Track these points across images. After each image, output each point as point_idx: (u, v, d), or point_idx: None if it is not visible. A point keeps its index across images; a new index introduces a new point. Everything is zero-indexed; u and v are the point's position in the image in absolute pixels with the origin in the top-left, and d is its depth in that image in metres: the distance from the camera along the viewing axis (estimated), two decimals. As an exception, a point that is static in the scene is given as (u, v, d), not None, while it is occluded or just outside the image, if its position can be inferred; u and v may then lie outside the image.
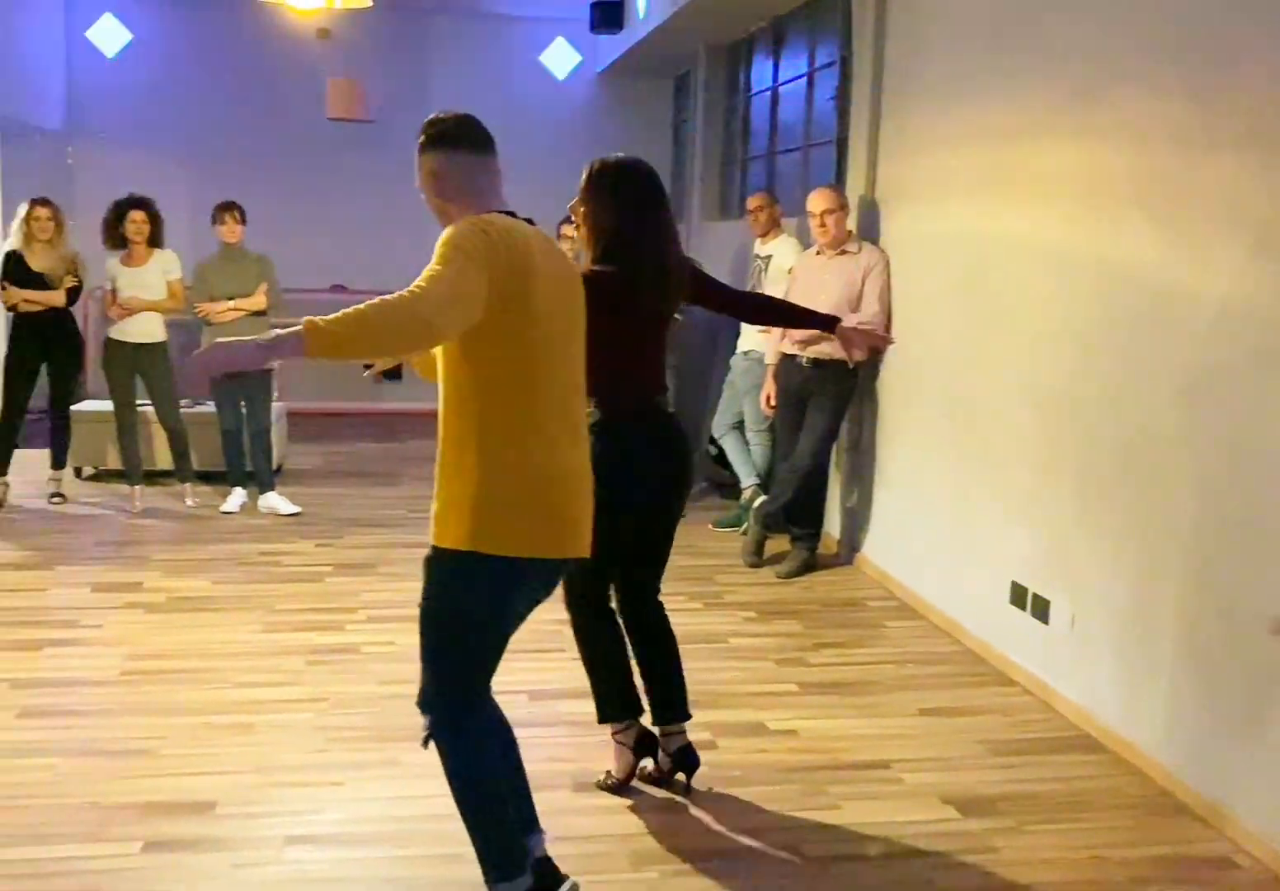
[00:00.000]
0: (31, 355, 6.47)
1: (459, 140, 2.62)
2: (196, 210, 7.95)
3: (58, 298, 6.39)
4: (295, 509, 6.57)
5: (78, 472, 7.34)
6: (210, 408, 6.79)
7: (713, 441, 6.75)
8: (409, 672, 4.08)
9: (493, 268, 2.39)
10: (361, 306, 2.22)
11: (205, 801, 3.25)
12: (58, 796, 3.26)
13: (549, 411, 2.56)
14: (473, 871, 2.77)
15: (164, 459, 6.96)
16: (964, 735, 3.89)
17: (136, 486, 6.66)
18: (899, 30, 5.51)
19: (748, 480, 6.41)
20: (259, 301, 6.42)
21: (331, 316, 2.19)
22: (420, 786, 3.30)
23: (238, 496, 6.64)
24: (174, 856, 2.97)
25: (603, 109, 10.63)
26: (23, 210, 6.43)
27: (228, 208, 6.42)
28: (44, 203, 6.40)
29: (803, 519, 5.87)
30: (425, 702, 2.59)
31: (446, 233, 2.46)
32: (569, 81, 10.67)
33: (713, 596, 5.32)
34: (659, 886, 2.94)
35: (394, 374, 3.58)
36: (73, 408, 6.92)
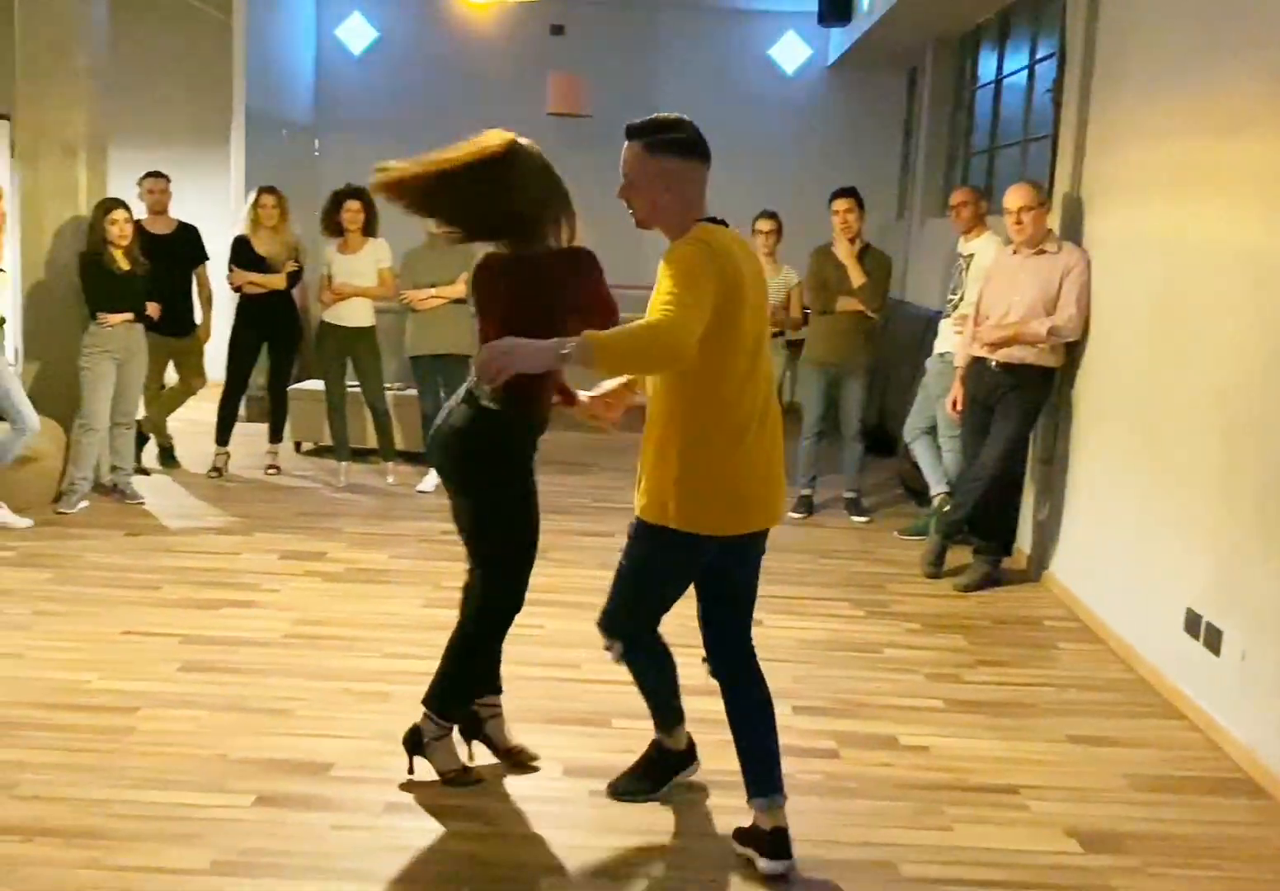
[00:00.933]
0: (253, 335, 6.89)
1: (694, 149, 2.84)
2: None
3: (278, 281, 6.78)
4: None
5: (297, 447, 7.77)
6: (413, 391, 7.07)
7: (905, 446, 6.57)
8: (548, 657, 4.18)
9: (717, 289, 2.68)
10: (631, 327, 2.59)
11: (323, 763, 3.39)
12: (193, 746, 3.46)
13: (745, 408, 2.84)
14: (547, 858, 2.81)
15: (372, 437, 7.28)
16: (1109, 766, 3.65)
17: (344, 462, 7.00)
18: (1110, 20, 5.20)
19: (937, 487, 6.21)
20: (459, 290, 6.63)
21: (609, 333, 2.57)
22: (511, 768, 3.38)
23: (433, 477, 6.88)
24: (279, 812, 3.10)
25: (833, 104, 10.48)
26: (251, 197, 6.85)
27: None
28: (270, 191, 6.79)
29: (986, 530, 5.62)
30: (612, 629, 3.12)
31: (677, 252, 2.72)
32: (798, 76, 10.56)
33: (878, 605, 5.17)
34: (738, 887, 2.88)
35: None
36: (292, 386, 7.33)
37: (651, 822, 3.17)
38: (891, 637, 4.77)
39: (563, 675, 4.13)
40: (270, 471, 7.06)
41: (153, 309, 6.18)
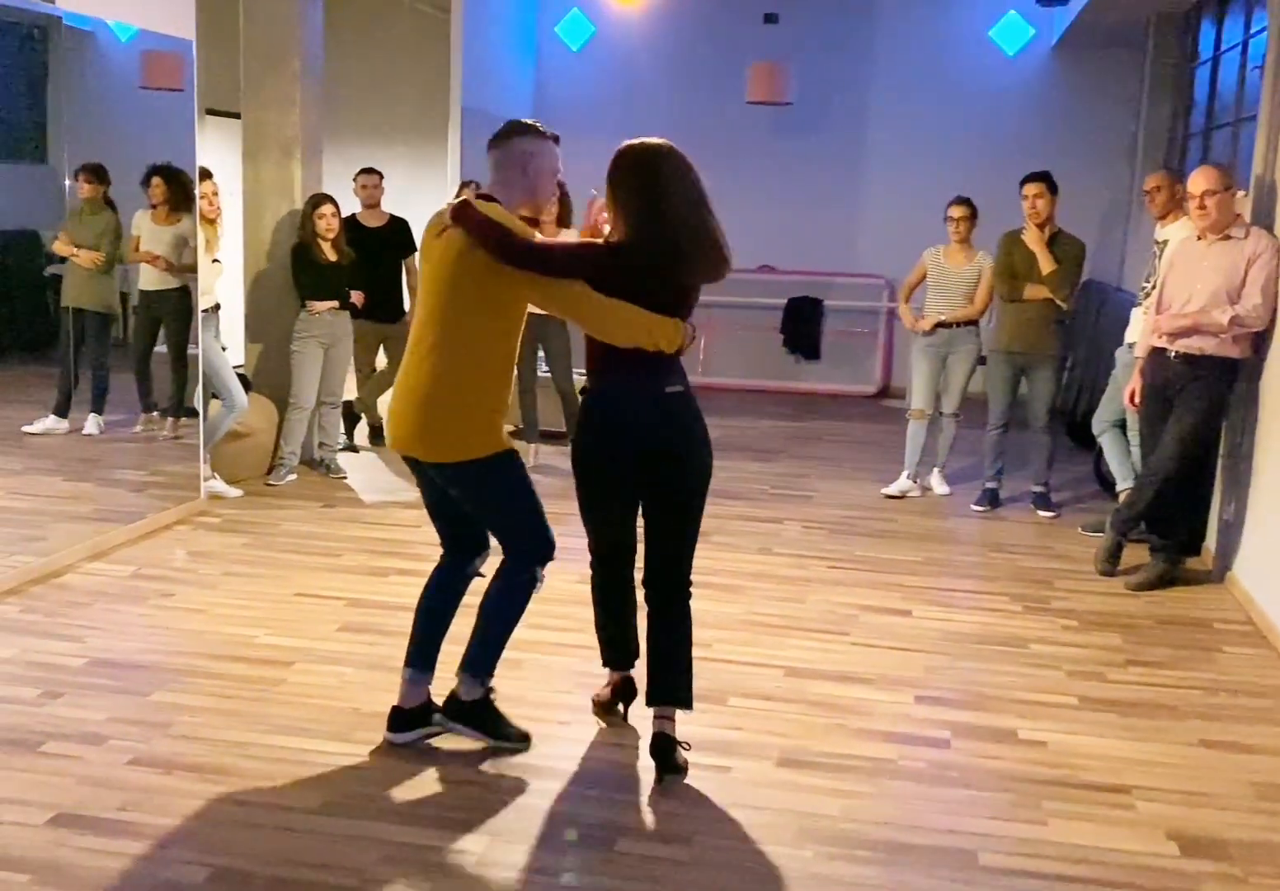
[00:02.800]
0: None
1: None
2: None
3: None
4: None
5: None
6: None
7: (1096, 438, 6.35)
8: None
9: None
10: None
11: (443, 720, 3.63)
12: (331, 699, 3.76)
13: None
14: (639, 820, 2.95)
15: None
16: (1237, 773, 3.50)
17: (533, 444, 7.29)
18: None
19: (1124, 482, 6.00)
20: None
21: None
22: (628, 735, 3.52)
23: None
24: (394, 762, 3.36)
25: (1057, 84, 10.10)
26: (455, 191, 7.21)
27: None
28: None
29: (1163, 528, 5.40)
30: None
31: None
32: (1020, 57, 10.23)
33: (1038, 600, 5.06)
34: (810, 865, 2.94)
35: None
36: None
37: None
38: (1042, 633, 4.66)
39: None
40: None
41: (357, 297, 6.61)
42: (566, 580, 4.99)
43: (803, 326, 9.79)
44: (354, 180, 7.28)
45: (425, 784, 3.25)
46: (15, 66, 7.65)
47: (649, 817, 3.15)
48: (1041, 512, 6.45)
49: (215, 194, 5.94)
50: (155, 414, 6.73)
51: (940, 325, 6.60)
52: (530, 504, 3.41)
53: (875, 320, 10.24)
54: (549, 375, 7.30)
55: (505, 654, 4.14)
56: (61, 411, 6.66)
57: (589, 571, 3.66)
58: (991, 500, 6.55)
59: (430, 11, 8.99)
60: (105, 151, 6.77)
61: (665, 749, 3.32)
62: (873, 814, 3.19)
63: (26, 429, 6.58)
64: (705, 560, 5.32)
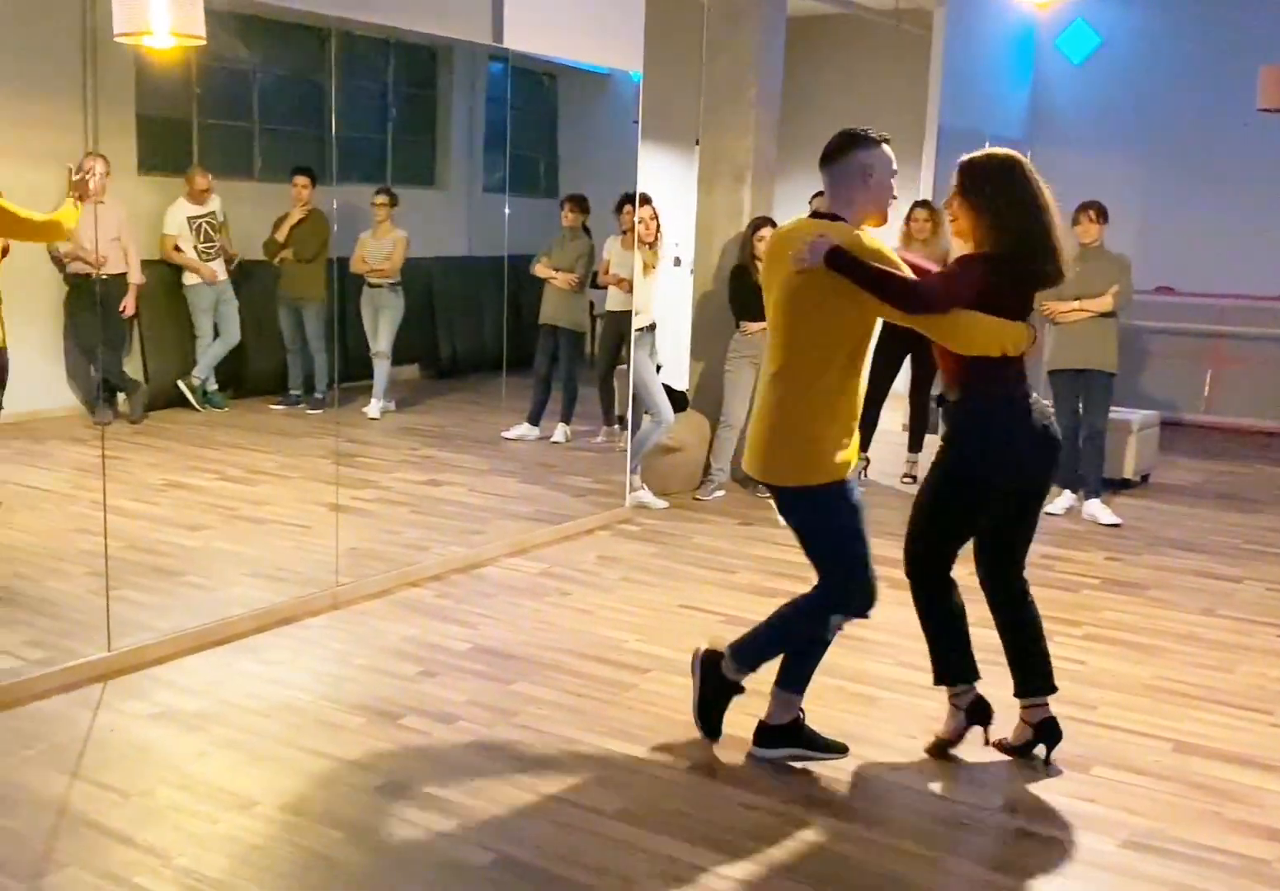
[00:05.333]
0: (897, 346, 7.10)
1: None
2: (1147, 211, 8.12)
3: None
4: (1116, 520, 6.37)
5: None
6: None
7: None
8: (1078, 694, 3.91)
9: None
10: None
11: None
12: (672, 711, 3.78)
13: None
14: (930, 880, 2.72)
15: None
16: None
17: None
18: None
19: None
20: (1104, 303, 6.32)
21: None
22: (953, 788, 3.29)
23: (1064, 500, 6.61)
24: (702, 780, 3.34)
25: None
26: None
27: (1084, 207, 6.38)
28: (923, 203, 7.02)
29: None
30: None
31: None
32: None
33: None
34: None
35: None
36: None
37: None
38: None
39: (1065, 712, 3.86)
40: (905, 481, 7.24)
41: None
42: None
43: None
44: (808, 203, 7.35)
45: (722, 806, 3.20)
46: (530, 109, 8.49)
47: (941, 878, 2.90)
48: None
49: (653, 218, 6.22)
50: (616, 427, 7.17)
51: None
52: (852, 548, 3.36)
53: None
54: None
55: (859, 689, 4.04)
56: (534, 419, 7.28)
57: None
58: None
59: (913, 31, 8.88)
60: (596, 183, 7.33)
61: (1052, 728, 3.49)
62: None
63: (504, 434, 7.25)
64: (1130, 616, 4.89)
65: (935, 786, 3.38)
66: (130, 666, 3.96)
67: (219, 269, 6.64)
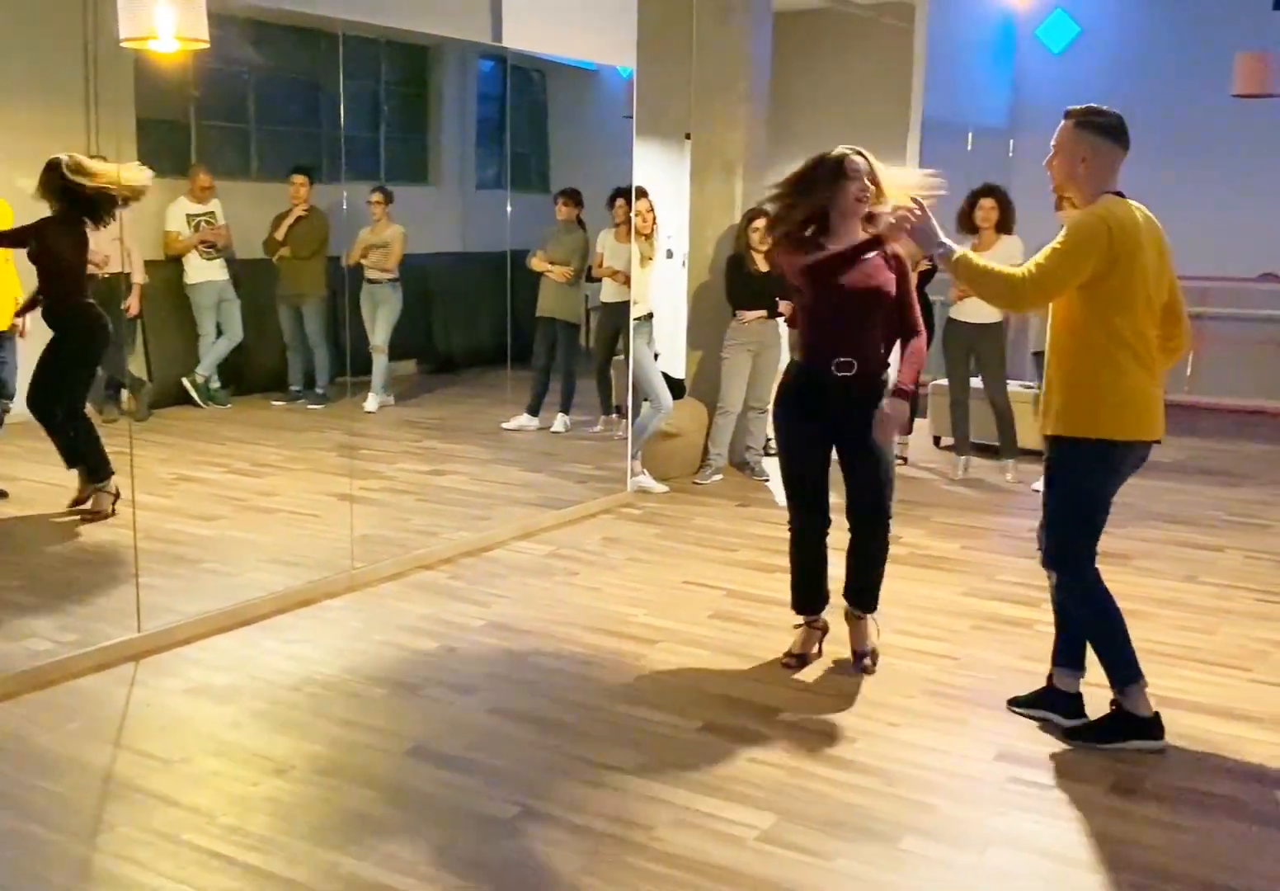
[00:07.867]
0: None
1: (1114, 133, 3.36)
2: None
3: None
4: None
5: (936, 441, 8.05)
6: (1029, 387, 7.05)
7: None
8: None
9: (1099, 260, 3.22)
10: (997, 269, 3.32)
11: (773, 707, 3.73)
12: (680, 677, 3.98)
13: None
14: (931, 823, 2.90)
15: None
16: None
17: (963, 456, 7.17)
18: None
19: None
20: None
21: (980, 263, 3.36)
22: (949, 742, 3.47)
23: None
24: (715, 740, 3.51)
25: None
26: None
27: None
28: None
29: None
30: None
31: (1078, 221, 3.29)
32: None
33: None
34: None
35: None
36: (935, 382, 7.68)
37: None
38: None
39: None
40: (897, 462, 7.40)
41: (785, 307, 6.82)
42: (952, 591, 4.94)
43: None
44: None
45: (735, 762, 3.38)
46: (521, 106, 8.65)
47: (943, 822, 3.09)
48: None
49: (650, 210, 6.39)
50: (614, 416, 7.34)
51: None
52: (1083, 512, 3.51)
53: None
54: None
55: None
56: (534, 410, 7.45)
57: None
58: None
59: (896, 24, 9.06)
60: (587, 177, 7.49)
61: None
62: (1197, 852, 2.93)
63: (504, 425, 7.42)
64: (1115, 584, 5.06)
65: (932, 741, 3.55)
66: (160, 646, 4.14)
67: (219, 269, 6.78)
